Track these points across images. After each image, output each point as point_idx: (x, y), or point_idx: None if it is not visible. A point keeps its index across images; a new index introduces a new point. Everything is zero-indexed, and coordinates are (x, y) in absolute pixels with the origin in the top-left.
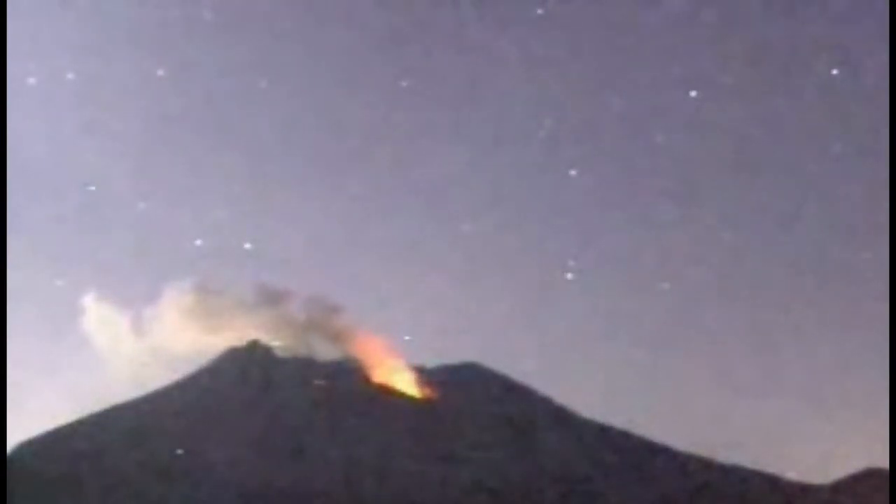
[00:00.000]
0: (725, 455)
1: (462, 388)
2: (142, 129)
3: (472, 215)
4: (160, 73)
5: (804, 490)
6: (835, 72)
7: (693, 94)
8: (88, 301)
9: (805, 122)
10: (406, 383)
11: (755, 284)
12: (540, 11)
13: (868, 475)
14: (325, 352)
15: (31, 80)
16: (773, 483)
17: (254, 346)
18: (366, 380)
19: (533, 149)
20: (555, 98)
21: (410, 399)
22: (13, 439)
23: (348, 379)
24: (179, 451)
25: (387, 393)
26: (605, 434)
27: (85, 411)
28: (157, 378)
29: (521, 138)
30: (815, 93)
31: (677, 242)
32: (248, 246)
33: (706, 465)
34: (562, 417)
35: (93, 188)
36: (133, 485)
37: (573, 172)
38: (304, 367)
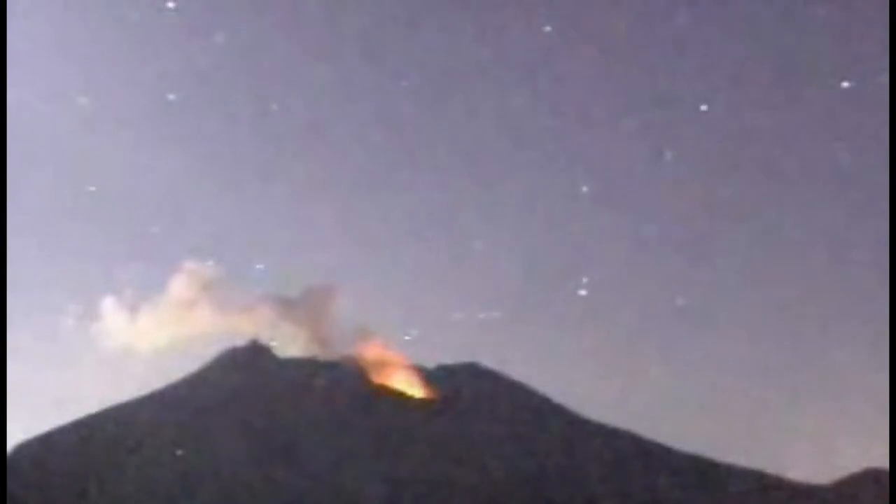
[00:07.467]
0: (725, 455)
1: (462, 388)
2: (155, 148)
3: (484, 231)
4: (171, 97)
5: (804, 490)
6: (845, 84)
7: (703, 108)
8: (89, 302)
9: (815, 135)
10: (406, 383)
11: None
12: (548, 29)
13: (868, 475)
14: (325, 352)
15: (43, 106)
16: (773, 483)
17: (254, 346)
18: (366, 380)
19: (545, 165)
20: (565, 114)
21: (410, 399)
22: (13, 439)
23: (348, 379)
24: (179, 452)
25: (387, 393)
26: (605, 434)
27: (84, 412)
28: (158, 378)
29: (533, 155)
30: (825, 106)
31: (689, 258)
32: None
33: (706, 465)
34: (561, 417)
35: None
36: (132, 485)
37: (585, 189)
38: (304, 367)
